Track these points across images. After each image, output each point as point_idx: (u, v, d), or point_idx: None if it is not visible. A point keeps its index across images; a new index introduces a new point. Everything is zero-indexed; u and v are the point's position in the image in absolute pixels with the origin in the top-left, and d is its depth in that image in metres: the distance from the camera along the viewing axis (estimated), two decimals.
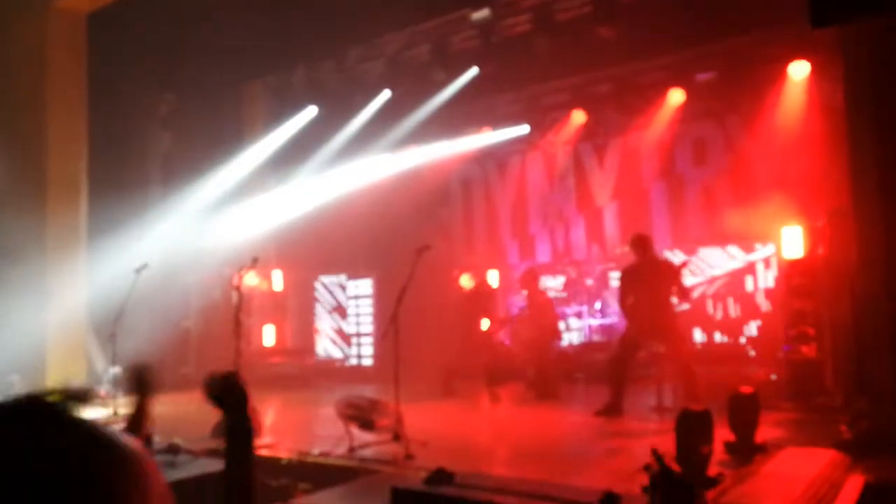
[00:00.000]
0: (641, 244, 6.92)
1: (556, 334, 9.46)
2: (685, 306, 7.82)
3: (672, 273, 6.75)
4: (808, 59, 8.48)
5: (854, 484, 3.45)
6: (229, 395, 1.87)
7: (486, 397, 8.23)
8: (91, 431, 0.74)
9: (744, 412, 4.61)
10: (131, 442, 0.76)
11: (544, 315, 8.97)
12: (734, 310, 9.27)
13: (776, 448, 4.40)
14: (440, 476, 3.02)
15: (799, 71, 8.66)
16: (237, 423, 1.85)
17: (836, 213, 6.02)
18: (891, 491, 3.44)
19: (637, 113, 10.07)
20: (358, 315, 11.82)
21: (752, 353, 8.53)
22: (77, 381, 8.63)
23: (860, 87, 5.33)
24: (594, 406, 6.76)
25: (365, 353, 11.65)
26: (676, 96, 9.67)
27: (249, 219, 10.71)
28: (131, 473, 0.73)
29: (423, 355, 8.74)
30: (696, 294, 9.21)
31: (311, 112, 11.11)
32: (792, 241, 7.44)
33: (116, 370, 7.90)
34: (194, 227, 10.25)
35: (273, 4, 9.10)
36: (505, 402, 8.15)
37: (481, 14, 8.98)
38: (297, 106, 11.13)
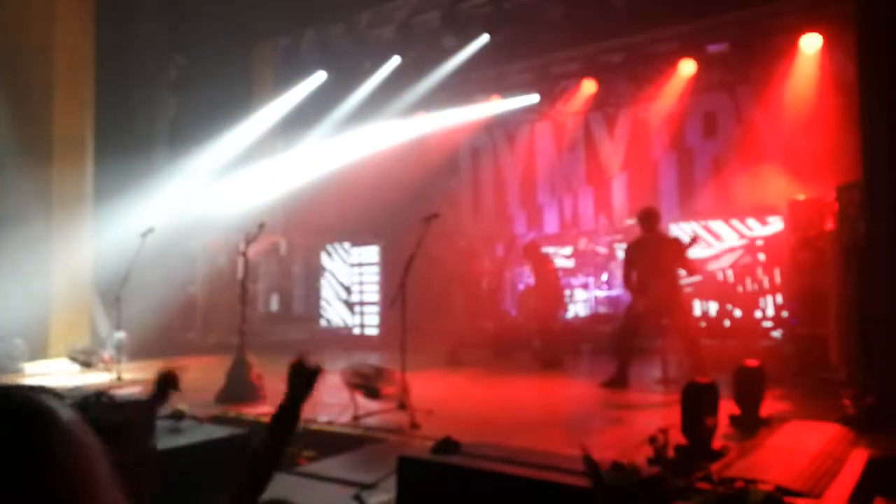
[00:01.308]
0: (649, 218, 6.87)
1: (562, 304, 9.48)
2: (697, 278, 7.79)
3: (678, 249, 6.73)
4: (821, 32, 8.35)
5: (858, 458, 3.46)
6: (304, 378, 1.86)
7: (492, 367, 8.27)
8: (23, 400, 0.74)
9: (749, 386, 4.61)
10: (62, 410, 0.75)
11: (550, 285, 8.97)
12: (743, 283, 9.25)
13: (781, 422, 4.42)
14: (447, 445, 3.04)
15: (811, 44, 8.52)
16: (292, 409, 1.85)
17: (846, 187, 5.95)
18: (894, 465, 3.46)
19: (648, 83, 9.95)
20: (362, 283, 11.80)
21: (768, 325, 8.49)
22: (81, 344, 8.69)
23: (874, 60, 5.23)
24: (599, 377, 6.79)
25: (368, 321, 11.66)
26: (688, 67, 9.54)
27: (256, 184, 10.66)
28: (65, 439, 0.73)
29: (429, 324, 8.78)
30: (705, 267, 9.19)
31: (319, 77, 10.98)
32: (800, 214, 7.38)
33: (121, 335, 7.93)
34: (201, 192, 10.22)
35: None
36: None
37: None
38: (307, 71, 11.01)
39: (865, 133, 5.27)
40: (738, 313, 9.13)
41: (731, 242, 9.45)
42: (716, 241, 9.46)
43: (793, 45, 8.62)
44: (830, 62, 8.40)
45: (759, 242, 9.13)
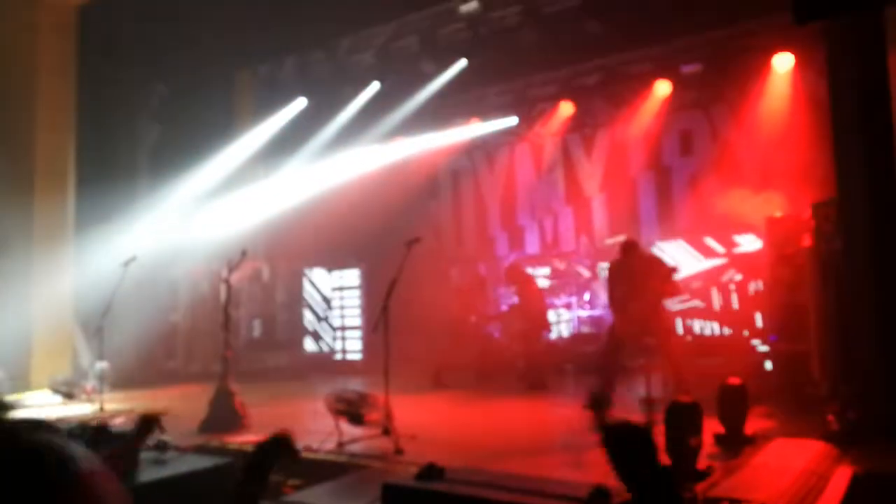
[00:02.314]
0: (630, 248, 7.02)
1: (546, 325, 9.50)
2: (682, 297, 7.85)
3: (660, 269, 6.82)
4: (792, 52, 8.54)
5: (842, 475, 3.48)
6: (277, 458, 1.82)
7: (476, 389, 8.24)
8: (37, 449, 0.72)
9: (733, 404, 4.64)
10: (83, 458, 0.73)
11: (534, 306, 9.00)
12: (725, 301, 9.33)
13: (765, 440, 4.44)
14: (431, 471, 3.02)
15: (783, 63, 8.71)
16: (251, 491, 1.81)
17: (821, 204, 6.06)
18: (878, 481, 3.48)
19: (624, 104, 10.10)
20: (343, 308, 11.74)
21: (754, 343, 8.54)
22: (62, 375, 8.55)
23: (843, 78, 5.36)
24: (583, 398, 6.77)
25: (350, 346, 11.59)
26: (663, 88, 9.70)
27: (238, 211, 10.63)
28: (77, 493, 0.71)
29: (412, 348, 8.75)
30: (686, 286, 9.27)
31: (300, 103, 11.03)
32: (777, 231, 7.49)
33: (103, 365, 7.82)
34: (183, 220, 10.17)
35: None
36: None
37: (470, 6, 8.95)
38: (287, 97, 11.06)
39: (838, 151, 5.38)
40: (720, 331, 9.20)
41: (711, 260, 9.54)
42: (696, 259, 9.55)
43: (765, 64, 8.81)
44: (803, 80, 8.58)
45: (740, 259, 9.24)
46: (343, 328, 11.69)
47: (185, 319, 10.83)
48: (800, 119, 8.41)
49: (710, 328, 9.30)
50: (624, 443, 1.25)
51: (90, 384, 8.08)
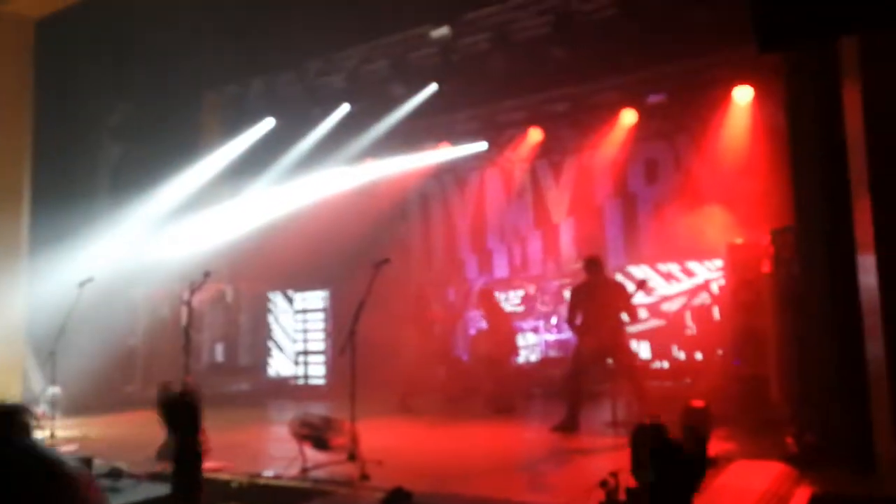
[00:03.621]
0: (594, 265, 7.10)
1: (514, 349, 9.51)
2: (638, 322, 7.96)
3: (622, 294, 6.94)
4: (752, 84, 8.82)
5: (801, 496, 3.53)
6: (182, 413, 1.76)
7: (443, 413, 8.18)
8: (34, 455, 0.72)
9: (696, 426, 4.67)
10: (74, 466, 0.74)
11: (501, 330, 9.01)
12: (688, 324, 9.46)
13: (727, 462, 4.48)
14: (398, 496, 2.97)
15: (743, 95, 8.99)
16: (186, 446, 1.74)
17: (780, 231, 6.22)
18: (836, 502, 3.53)
19: (591, 132, 10.28)
20: (306, 332, 11.58)
21: (712, 365, 8.66)
22: (12, 401, 8.24)
23: (801, 109, 5.55)
24: (551, 421, 6.79)
25: (313, 372, 11.42)
26: (629, 117, 9.90)
27: (201, 232, 10.45)
28: (72, 498, 0.72)
29: (378, 371, 8.65)
30: (651, 309, 9.40)
31: (268, 124, 10.95)
32: (738, 257, 7.66)
33: (55, 390, 7.57)
34: (143, 240, 9.95)
35: (231, 14, 8.97)
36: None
37: (441, 32, 9.05)
38: (255, 118, 10.96)
39: (796, 179, 5.54)
40: (682, 355, 9.33)
41: (675, 285, 9.70)
42: (661, 283, 9.70)
43: (726, 96, 9.07)
44: (761, 112, 8.86)
45: (702, 284, 9.41)
46: (306, 352, 11.52)
47: (143, 343, 10.55)
48: (759, 148, 8.67)
49: (674, 350, 9.42)
50: (648, 442, 1.26)
51: (41, 409, 7.80)
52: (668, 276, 9.75)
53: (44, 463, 0.73)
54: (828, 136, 5.15)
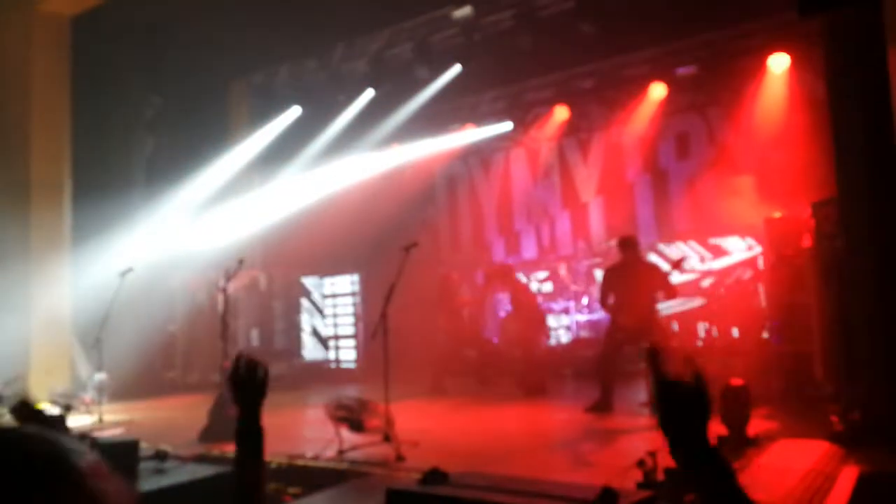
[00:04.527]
0: (629, 245, 6.99)
1: (544, 331, 9.45)
2: (675, 300, 7.85)
3: (657, 274, 6.84)
4: (788, 52, 8.54)
5: (848, 475, 3.45)
6: (251, 383, 1.75)
7: (475, 395, 8.20)
8: (36, 446, 0.71)
9: (736, 405, 4.60)
10: (84, 456, 0.73)
11: (529, 311, 8.96)
12: (726, 302, 9.29)
13: (769, 441, 4.40)
14: (434, 476, 2.97)
15: (779, 63, 8.72)
16: (253, 419, 1.75)
17: (821, 203, 6.04)
18: (885, 481, 3.44)
19: (620, 107, 10.10)
20: (336, 315, 11.71)
21: (752, 343, 8.51)
22: (61, 387, 8.48)
23: (842, 77, 5.35)
24: (583, 402, 6.75)
25: (343, 355, 11.55)
26: (658, 90, 9.70)
27: (234, 220, 10.59)
28: (78, 489, 0.70)
29: (410, 354, 8.70)
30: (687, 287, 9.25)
31: (295, 112, 11.01)
32: (777, 232, 7.47)
33: (102, 376, 7.77)
34: (179, 230, 10.13)
35: (255, 4, 8.99)
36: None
37: (463, 12, 8.94)
38: (282, 106, 11.04)
39: (838, 150, 5.36)
40: (719, 332, 9.17)
41: (710, 263, 9.53)
42: (695, 261, 9.54)
43: (761, 65, 8.81)
44: (798, 81, 8.59)
45: (739, 261, 9.22)
46: (336, 337, 11.66)
47: (183, 330, 10.77)
48: (796, 119, 8.41)
49: (712, 329, 9.27)
50: (679, 404, 1.20)
51: (89, 395, 8.02)
52: (704, 254, 9.58)
53: (34, 460, 0.71)
54: (871, 105, 4.96)
